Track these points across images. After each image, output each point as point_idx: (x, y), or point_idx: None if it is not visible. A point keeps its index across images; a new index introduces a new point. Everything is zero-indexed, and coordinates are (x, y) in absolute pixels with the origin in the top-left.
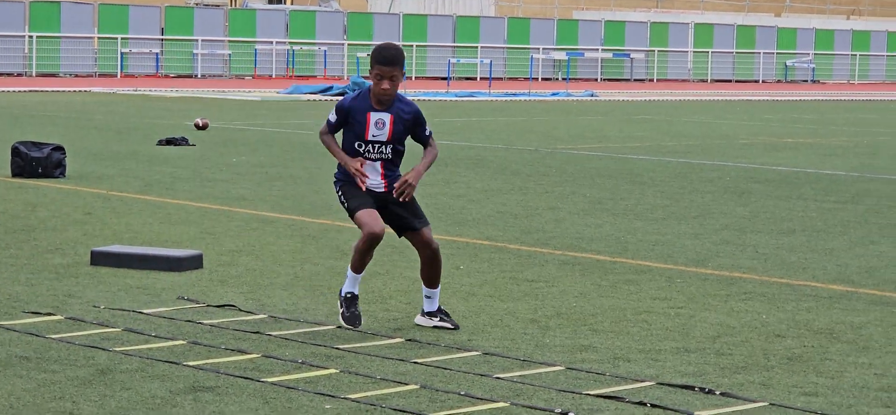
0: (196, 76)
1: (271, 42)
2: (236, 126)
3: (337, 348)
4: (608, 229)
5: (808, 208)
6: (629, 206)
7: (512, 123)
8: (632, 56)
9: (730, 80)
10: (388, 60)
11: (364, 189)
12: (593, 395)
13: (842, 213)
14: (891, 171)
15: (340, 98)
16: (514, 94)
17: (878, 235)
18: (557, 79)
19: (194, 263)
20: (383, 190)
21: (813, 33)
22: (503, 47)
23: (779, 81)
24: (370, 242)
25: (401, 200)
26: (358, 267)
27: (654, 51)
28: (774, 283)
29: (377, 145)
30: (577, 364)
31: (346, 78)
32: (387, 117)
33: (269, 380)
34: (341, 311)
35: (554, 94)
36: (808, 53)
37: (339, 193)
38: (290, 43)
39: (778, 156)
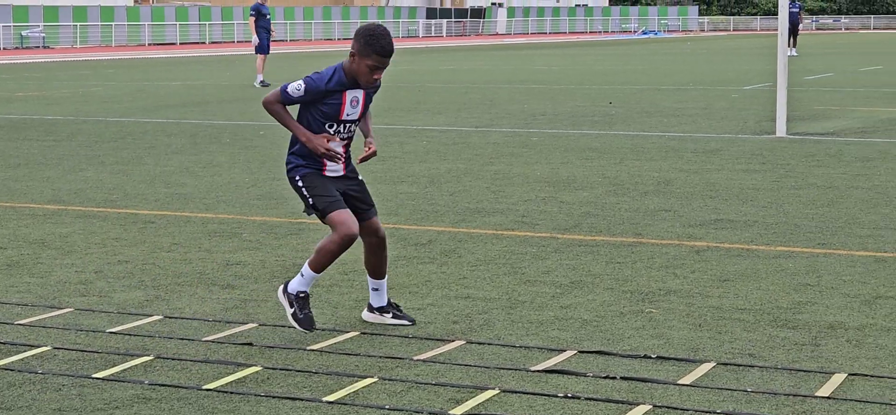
0: None
1: None
2: None
3: None
4: None
5: (32, 147)
6: None
7: None
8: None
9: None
10: (388, 53)
11: (337, 171)
12: None
13: (59, 148)
14: (98, 114)
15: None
16: None
17: (86, 164)
18: None
19: None
20: (342, 173)
21: (42, 9)
22: None
23: (17, 48)
24: (347, 244)
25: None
26: (320, 269)
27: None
28: (2, 207)
29: (348, 125)
30: None
31: None
32: (360, 94)
33: None
34: (293, 310)
35: None
36: (39, 25)
37: (301, 185)
38: None
39: (11, 107)
